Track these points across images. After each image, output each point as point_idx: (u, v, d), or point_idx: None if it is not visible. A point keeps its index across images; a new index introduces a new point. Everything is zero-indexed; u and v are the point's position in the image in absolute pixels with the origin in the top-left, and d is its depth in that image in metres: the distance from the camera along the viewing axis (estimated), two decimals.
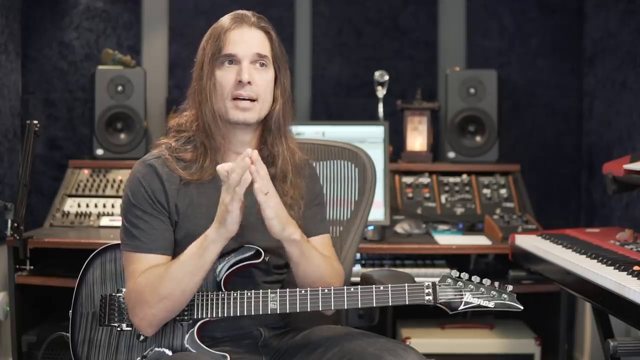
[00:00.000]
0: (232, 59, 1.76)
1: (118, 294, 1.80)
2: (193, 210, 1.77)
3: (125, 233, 1.75)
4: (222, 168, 1.65)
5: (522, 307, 1.70)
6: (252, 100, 1.75)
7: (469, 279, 1.71)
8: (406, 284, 1.70)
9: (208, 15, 3.62)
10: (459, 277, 1.72)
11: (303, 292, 1.71)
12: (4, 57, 3.35)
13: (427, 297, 1.69)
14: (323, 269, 1.80)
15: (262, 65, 1.77)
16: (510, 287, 1.71)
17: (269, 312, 1.71)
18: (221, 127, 1.78)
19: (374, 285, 1.70)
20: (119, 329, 1.78)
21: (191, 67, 1.83)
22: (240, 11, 1.83)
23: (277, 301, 1.71)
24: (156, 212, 1.75)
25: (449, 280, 1.71)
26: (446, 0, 3.70)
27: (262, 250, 1.76)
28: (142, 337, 1.74)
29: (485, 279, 1.71)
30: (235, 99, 1.74)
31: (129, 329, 1.77)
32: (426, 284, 1.71)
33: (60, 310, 2.44)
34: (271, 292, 1.71)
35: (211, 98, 1.76)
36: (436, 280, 1.72)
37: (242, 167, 1.62)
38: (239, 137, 1.80)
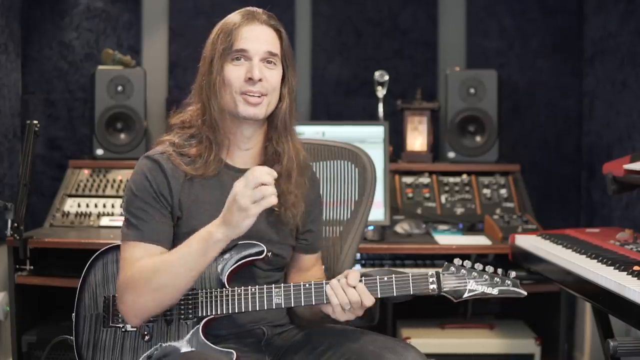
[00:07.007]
0: (243, 55, 1.76)
1: None
2: (198, 207, 1.77)
3: (126, 224, 1.76)
4: (270, 174, 1.63)
5: (525, 293, 1.69)
6: (262, 95, 1.76)
7: (472, 267, 1.71)
8: (410, 274, 1.70)
9: (208, 15, 3.62)
10: (462, 265, 1.71)
11: (307, 285, 1.71)
12: (4, 57, 3.35)
13: (431, 286, 1.69)
14: None
15: (271, 63, 1.78)
16: (513, 274, 1.71)
17: (274, 307, 1.71)
18: (227, 122, 1.79)
19: (377, 276, 1.70)
20: (123, 329, 1.77)
21: (194, 65, 1.84)
22: (250, 8, 1.83)
23: (281, 296, 1.71)
24: (159, 206, 1.75)
25: (452, 268, 1.71)
26: (446, 0, 3.70)
27: (264, 247, 1.77)
28: (147, 337, 1.74)
29: (488, 267, 1.71)
30: (245, 94, 1.75)
31: (133, 329, 1.76)
32: (430, 272, 1.71)
33: (61, 311, 2.44)
34: (275, 287, 1.72)
35: (220, 93, 1.77)
36: (439, 269, 1.72)
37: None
38: (244, 132, 1.81)
